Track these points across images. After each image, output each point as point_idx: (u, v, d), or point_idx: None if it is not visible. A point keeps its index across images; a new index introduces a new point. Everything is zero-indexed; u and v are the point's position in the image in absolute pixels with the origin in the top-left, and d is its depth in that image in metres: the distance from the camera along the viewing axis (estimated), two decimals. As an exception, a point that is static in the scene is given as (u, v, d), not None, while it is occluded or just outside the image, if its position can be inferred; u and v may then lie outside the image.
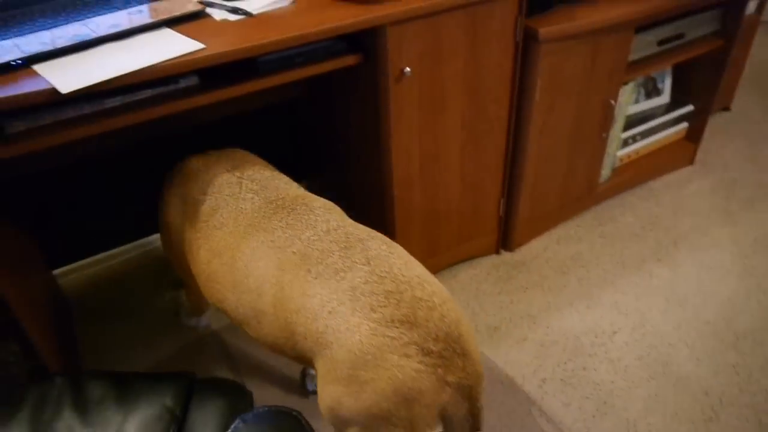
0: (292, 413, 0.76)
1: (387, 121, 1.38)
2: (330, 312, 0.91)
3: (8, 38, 1.09)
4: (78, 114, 1.08)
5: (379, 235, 1.06)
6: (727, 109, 2.61)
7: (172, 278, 1.81)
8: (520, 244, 1.92)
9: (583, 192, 1.97)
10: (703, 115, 2.17)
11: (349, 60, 1.30)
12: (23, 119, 1.04)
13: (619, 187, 2.11)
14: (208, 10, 1.22)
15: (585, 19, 1.51)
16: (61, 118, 1.07)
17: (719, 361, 1.53)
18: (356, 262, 0.95)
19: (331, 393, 0.89)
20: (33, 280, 1.45)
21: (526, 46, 1.49)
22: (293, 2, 1.26)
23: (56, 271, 1.80)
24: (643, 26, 1.77)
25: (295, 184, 1.22)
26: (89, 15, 1.18)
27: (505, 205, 1.80)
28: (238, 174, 1.21)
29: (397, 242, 1.58)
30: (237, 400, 0.78)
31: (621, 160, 2.10)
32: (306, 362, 1.02)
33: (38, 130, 1.05)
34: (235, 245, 1.09)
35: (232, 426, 0.75)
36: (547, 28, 1.45)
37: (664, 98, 2.21)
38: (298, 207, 1.10)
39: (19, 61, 1.01)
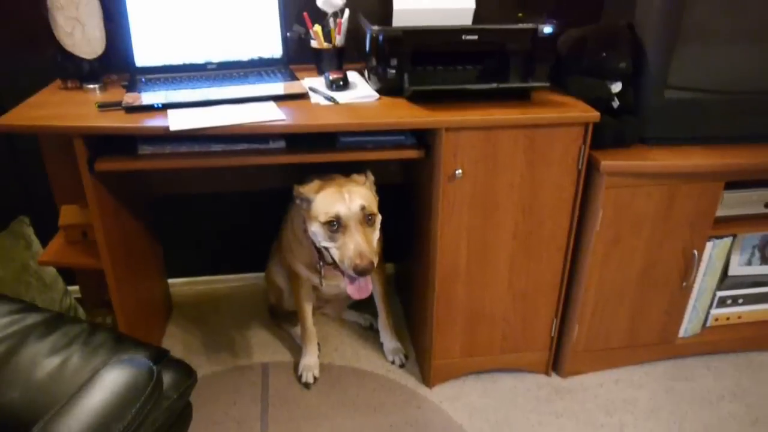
0: (151, 367, 0.91)
1: (437, 214, 1.54)
2: None
3: (163, 90, 1.51)
4: (189, 150, 1.43)
5: None
6: None
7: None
8: (574, 373, 1.87)
9: (657, 340, 1.87)
10: (832, 297, 1.94)
11: (412, 153, 1.51)
12: (151, 145, 1.42)
13: (708, 346, 1.95)
14: (311, 94, 1.54)
15: (658, 160, 1.55)
16: (177, 150, 1.43)
17: None
18: None
19: None
20: (143, 283, 1.82)
21: (589, 174, 1.57)
22: (378, 99, 1.53)
23: (170, 280, 2.20)
24: (751, 182, 1.71)
25: None
26: (225, 84, 1.57)
27: (559, 328, 1.79)
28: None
29: (435, 334, 1.70)
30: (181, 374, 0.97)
31: (716, 319, 1.95)
32: None
33: (160, 155, 1.42)
34: None
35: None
36: (610, 162, 1.52)
37: (786, 268, 2.02)
38: None
39: (159, 105, 1.40)
